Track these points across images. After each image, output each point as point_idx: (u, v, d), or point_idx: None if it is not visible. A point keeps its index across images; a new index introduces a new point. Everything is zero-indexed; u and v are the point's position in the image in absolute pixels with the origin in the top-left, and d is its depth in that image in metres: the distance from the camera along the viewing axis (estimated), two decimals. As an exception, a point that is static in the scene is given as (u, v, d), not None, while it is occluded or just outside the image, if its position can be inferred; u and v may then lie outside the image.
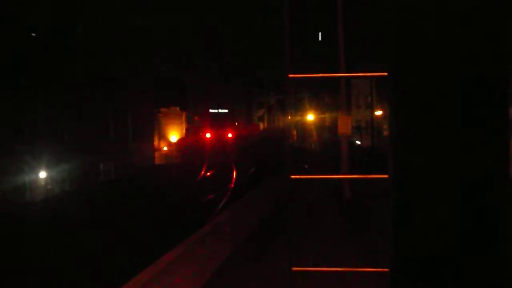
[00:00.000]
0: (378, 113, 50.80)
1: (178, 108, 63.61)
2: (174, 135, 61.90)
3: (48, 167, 32.37)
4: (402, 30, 1.64)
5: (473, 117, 1.57)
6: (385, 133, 47.08)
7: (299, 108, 61.57)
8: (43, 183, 32.85)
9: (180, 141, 60.38)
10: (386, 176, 1.78)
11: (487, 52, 1.57)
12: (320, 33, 70.08)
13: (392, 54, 1.68)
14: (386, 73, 1.76)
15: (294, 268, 3.24)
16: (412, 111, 1.63)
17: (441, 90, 1.59)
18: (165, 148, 59.35)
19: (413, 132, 1.63)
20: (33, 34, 33.39)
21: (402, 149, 1.66)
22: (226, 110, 54.58)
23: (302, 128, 65.06)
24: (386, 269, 1.78)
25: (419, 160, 1.61)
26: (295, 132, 66.82)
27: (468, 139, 1.57)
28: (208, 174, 36.50)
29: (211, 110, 55.01)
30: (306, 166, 31.37)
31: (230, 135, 49.79)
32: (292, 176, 3.10)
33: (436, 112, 1.59)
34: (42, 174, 32.55)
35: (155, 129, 55.24)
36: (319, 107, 65.82)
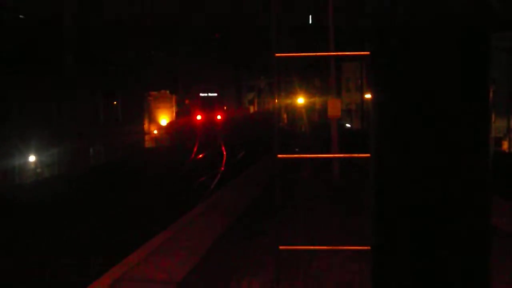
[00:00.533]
0: (368, 96, 50.76)
1: (168, 92, 63.49)
2: (164, 119, 61.78)
3: (37, 151, 32.31)
4: (383, 12, 1.67)
5: (455, 96, 1.60)
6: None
7: (289, 91, 61.53)
8: (32, 166, 32.80)
9: (170, 124, 60.31)
10: (368, 155, 1.81)
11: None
12: (310, 16, 69.90)
13: (373, 33, 1.70)
14: (368, 53, 1.79)
15: (280, 247, 3.29)
16: (392, 92, 1.66)
17: (422, 70, 1.61)
18: (155, 132, 59.27)
19: (392, 112, 1.65)
20: (21, 16, 33.12)
21: (382, 127, 1.69)
22: (215, 94, 55.72)
23: (293, 111, 65.07)
24: (368, 247, 1.82)
25: (399, 140, 1.64)
26: (285, 116, 66.84)
27: (451, 119, 1.60)
28: (199, 157, 36.51)
29: (201, 94, 55.93)
30: (297, 149, 31.43)
31: (219, 117, 51.90)
32: (279, 156, 3.14)
33: (416, 94, 1.62)
34: (32, 158, 32.49)
35: (145, 113, 55.08)
36: (310, 91, 65.82)
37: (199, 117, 51.82)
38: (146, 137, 53.43)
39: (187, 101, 66.46)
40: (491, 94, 1.67)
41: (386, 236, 1.68)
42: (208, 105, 53.06)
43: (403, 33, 1.61)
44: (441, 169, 1.59)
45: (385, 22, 1.65)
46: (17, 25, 32.36)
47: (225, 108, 56.56)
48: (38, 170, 32.87)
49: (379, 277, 1.73)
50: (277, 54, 3.08)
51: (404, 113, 1.61)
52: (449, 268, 1.61)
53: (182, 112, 63.18)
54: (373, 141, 1.73)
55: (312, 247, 4.88)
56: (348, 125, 56.21)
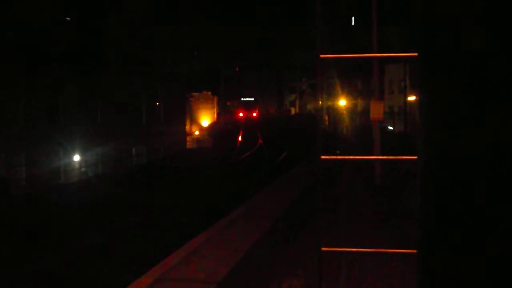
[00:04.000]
0: (412, 98, 50.26)
1: (209, 93, 63.99)
2: (205, 119, 62.21)
3: (81, 151, 32.88)
4: (431, 10, 1.63)
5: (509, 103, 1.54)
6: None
7: (331, 93, 61.23)
8: (77, 166, 33.39)
9: (211, 125, 60.80)
10: (415, 157, 1.78)
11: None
12: (353, 18, 69.51)
13: (421, 33, 1.67)
14: (416, 54, 1.75)
15: (323, 248, 3.26)
16: (442, 93, 1.62)
17: (473, 70, 1.57)
18: (197, 133, 59.68)
19: (442, 114, 1.62)
20: (68, 18, 33.80)
21: (432, 131, 1.65)
22: (252, 99, 73.12)
23: (334, 113, 64.73)
24: (414, 250, 1.79)
25: (448, 142, 1.60)
26: (327, 117, 66.52)
27: (502, 125, 1.55)
28: (241, 157, 36.60)
29: (242, 98, 72.53)
30: (338, 152, 31.19)
31: (254, 114, 68.98)
32: (322, 157, 3.11)
33: (468, 94, 1.57)
34: (76, 157, 33.08)
35: (187, 114, 55.57)
36: (352, 93, 65.46)
37: (241, 114, 68.24)
38: (188, 138, 53.86)
39: (228, 103, 70.98)
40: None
41: (434, 241, 1.64)
42: (247, 106, 70.51)
43: (454, 32, 1.56)
44: (496, 173, 1.54)
45: (436, 21, 1.61)
46: (65, 25, 33.03)
47: (259, 109, 73.19)
48: (83, 169, 33.45)
49: (425, 282, 1.69)
50: (321, 55, 3.05)
51: (457, 114, 1.56)
52: (502, 276, 1.56)
53: (224, 112, 67.11)
54: (421, 143, 1.70)
55: (355, 249, 4.83)
56: (390, 127, 55.61)
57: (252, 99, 74.35)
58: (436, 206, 1.63)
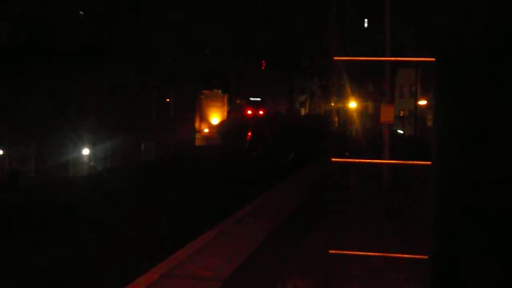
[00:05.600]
0: (422, 102, 50.15)
1: (220, 91, 64.09)
2: (215, 117, 62.27)
3: (91, 144, 32.95)
4: (454, 15, 1.61)
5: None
6: (429, 123, 46.67)
7: (341, 95, 61.17)
8: (86, 159, 33.47)
9: (221, 123, 60.87)
10: (429, 163, 1.76)
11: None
12: (366, 20, 69.38)
13: (440, 38, 1.65)
14: (433, 59, 1.74)
15: (331, 251, 3.26)
16: (461, 99, 1.60)
17: (494, 75, 1.55)
18: (206, 130, 59.73)
19: (460, 121, 1.60)
20: (81, 12, 33.89)
21: (448, 136, 1.64)
22: (259, 99, 76.82)
23: (344, 115, 64.66)
24: (425, 256, 1.77)
25: (466, 148, 1.58)
26: (337, 119, 66.45)
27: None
28: (251, 155, 36.59)
29: (250, 98, 74.89)
30: (347, 153, 31.03)
31: (261, 112, 71.82)
32: (333, 159, 3.11)
33: (487, 101, 1.55)
34: (85, 151, 33.15)
35: (197, 111, 55.63)
36: (362, 95, 65.35)
37: (249, 112, 70.20)
38: (197, 135, 53.88)
39: (238, 101, 71.35)
40: None
41: (450, 247, 1.62)
42: (255, 105, 73.47)
43: (483, 35, 1.53)
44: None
45: (462, 23, 1.58)
46: (77, 20, 33.14)
47: (265, 108, 76.22)
48: (91, 163, 33.53)
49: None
50: (335, 58, 3.04)
51: (477, 121, 1.54)
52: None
53: (234, 111, 66.99)
54: (436, 150, 1.68)
55: (362, 253, 4.82)
56: (400, 131, 55.52)
57: (259, 99, 79.00)
58: (452, 214, 1.62)
